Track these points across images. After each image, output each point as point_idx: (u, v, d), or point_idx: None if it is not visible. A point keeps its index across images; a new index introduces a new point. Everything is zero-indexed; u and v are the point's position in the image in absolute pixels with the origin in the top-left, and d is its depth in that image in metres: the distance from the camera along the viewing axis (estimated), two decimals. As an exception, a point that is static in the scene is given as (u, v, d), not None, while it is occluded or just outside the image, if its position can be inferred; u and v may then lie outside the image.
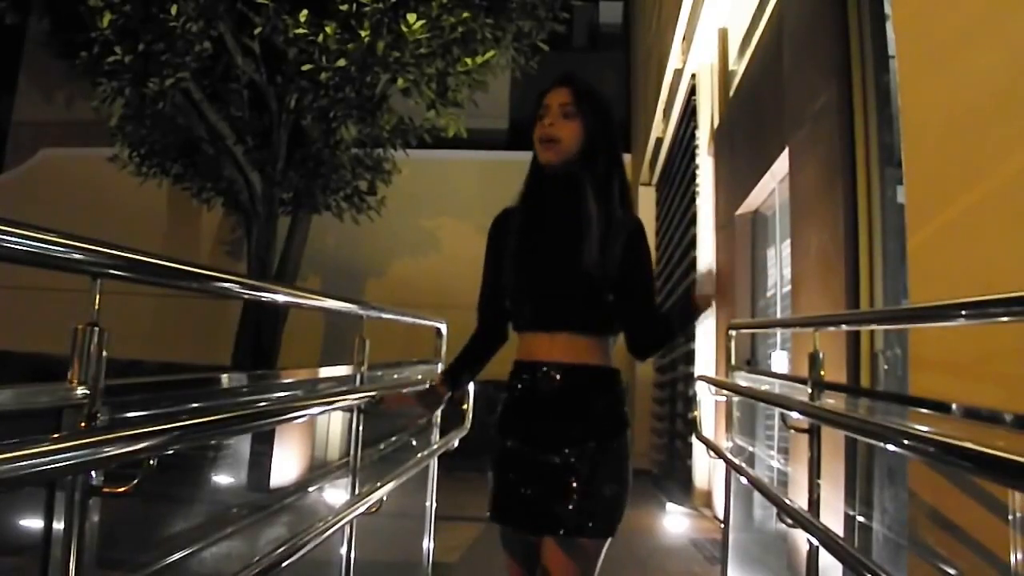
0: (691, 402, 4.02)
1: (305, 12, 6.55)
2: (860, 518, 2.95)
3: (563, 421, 1.84)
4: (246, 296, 2.43)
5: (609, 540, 1.84)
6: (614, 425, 1.88)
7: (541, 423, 1.86)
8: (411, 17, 6.55)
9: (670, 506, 6.21)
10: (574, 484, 1.79)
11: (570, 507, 1.78)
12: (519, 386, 1.91)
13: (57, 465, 0.96)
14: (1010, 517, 1.33)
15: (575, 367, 1.86)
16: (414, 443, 4.01)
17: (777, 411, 3.20)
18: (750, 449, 4.41)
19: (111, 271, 1.26)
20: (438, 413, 2.12)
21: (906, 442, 1.47)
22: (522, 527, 1.86)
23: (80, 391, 1.19)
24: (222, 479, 5.45)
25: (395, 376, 3.31)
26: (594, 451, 1.82)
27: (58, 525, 1.19)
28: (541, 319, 1.89)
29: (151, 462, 1.20)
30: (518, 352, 1.94)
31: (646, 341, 1.96)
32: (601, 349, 1.89)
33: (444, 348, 3.71)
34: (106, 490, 1.23)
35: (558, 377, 1.85)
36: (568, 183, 1.89)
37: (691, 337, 6.99)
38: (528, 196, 1.96)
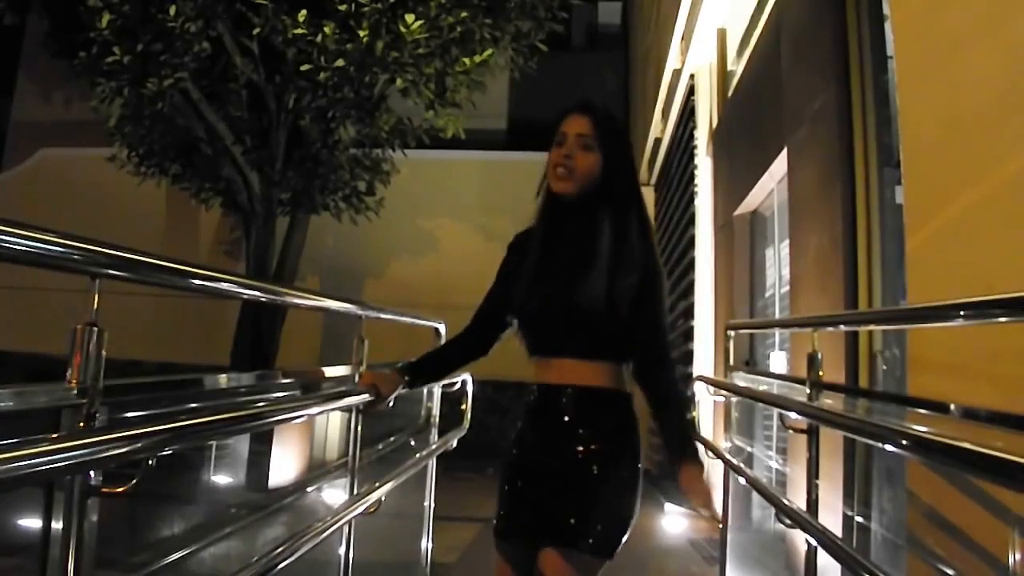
0: (689, 402, 4.02)
1: (304, 12, 6.55)
2: (858, 518, 2.95)
3: (572, 442, 1.83)
4: (245, 296, 2.42)
5: (606, 563, 1.81)
6: (619, 449, 1.86)
7: (552, 443, 1.85)
8: (409, 17, 6.55)
9: (668, 506, 6.21)
10: (579, 500, 1.78)
11: (572, 521, 1.77)
12: (532, 406, 1.91)
13: (56, 465, 0.96)
14: (1008, 518, 1.33)
15: (585, 390, 1.85)
16: (412, 443, 4.01)
17: (775, 411, 3.20)
18: (748, 449, 4.41)
19: (110, 271, 1.26)
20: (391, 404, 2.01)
21: (904, 442, 1.47)
22: (523, 539, 1.84)
23: (79, 391, 1.18)
24: (220, 479, 5.45)
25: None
26: (601, 473, 1.81)
27: (57, 525, 1.19)
28: (549, 345, 1.88)
29: (150, 462, 1.20)
30: (533, 374, 1.93)
31: (650, 393, 1.91)
32: (613, 373, 1.87)
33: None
34: (105, 490, 1.23)
35: (568, 399, 1.84)
36: (583, 214, 1.86)
37: (690, 338, 7.00)
38: (543, 222, 1.93)
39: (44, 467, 0.93)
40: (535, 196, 1.98)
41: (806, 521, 2.21)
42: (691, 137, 7.37)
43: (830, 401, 2.49)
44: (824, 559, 2.16)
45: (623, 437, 1.87)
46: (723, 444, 3.73)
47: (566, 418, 1.84)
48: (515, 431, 1.96)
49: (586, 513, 1.78)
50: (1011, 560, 1.34)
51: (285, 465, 5.90)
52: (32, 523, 1.25)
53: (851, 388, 3.03)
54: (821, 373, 2.46)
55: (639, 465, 1.88)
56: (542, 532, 1.79)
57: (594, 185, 1.86)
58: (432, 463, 3.67)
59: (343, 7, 6.63)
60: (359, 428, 2.48)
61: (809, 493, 2.42)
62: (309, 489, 5.24)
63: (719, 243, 6.41)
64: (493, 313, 2.02)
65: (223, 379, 2.10)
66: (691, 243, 7.14)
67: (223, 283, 1.76)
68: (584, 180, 1.85)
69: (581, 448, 1.82)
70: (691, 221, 7.21)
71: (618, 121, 1.96)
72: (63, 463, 0.97)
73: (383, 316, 2.96)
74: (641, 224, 1.89)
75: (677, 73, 8.02)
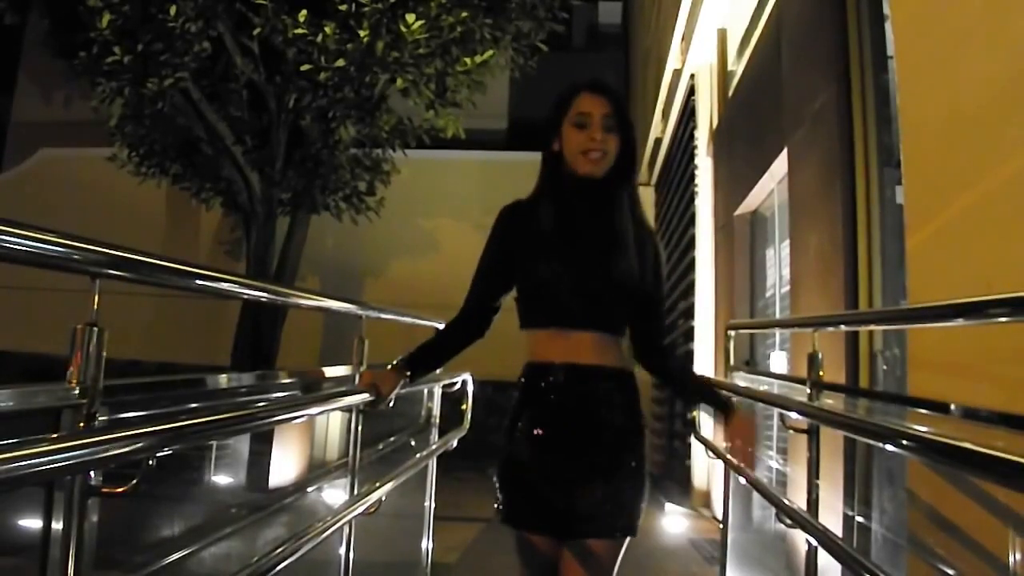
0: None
1: (304, 12, 6.55)
2: (859, 518, 2.95)
3: (581, 423, 1.82)
4: (245, 296, 2.43)
5: (628, 539, 1.83)
6: (632, 425, 1.88)
7: (559, 426, 1.83)
8: (410, 17, 6.55)
9: (669, 506, 6.22)
10: (597, 486, 1.79)
11: (593, 509, 1.77)
12: (535, 388, 1.87)
13: (56, 465, 0.96)
14: (1009, 517, 1.33)
15: (592, 368, 1.84)
16: (413, 443, 4.01)
17: (776, 411, 3.20)
18: (749, 449, 4.40)
19: (110, 271, 1.26)
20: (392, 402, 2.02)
21: (905, 442, 1.47)
22: (546, 531, 1.83)
23: (79, 391, 1.18)
24: (221, 479, 5.45)
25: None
26: (613, 452, 1.82)
27: (57, 525, 1.19)
28: (566, 317, 1.85)
29: (150, 462, 1.20)
30: (531, 353, 1.90)
31: (650, 364, 1.99)
32: (617, 350, 1.89)
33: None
34: (105, 490, 1.23)
35: (575, 378, 1.83)
36: (601, 192, 1.88)
37: (690, 338, 7.00)
38: (556, 197, 1.91)
39: (44, 467, 0.93)
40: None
41: (806, 521, 2.21)
42: (691, 137, 7.37)
43: (830, 401, 2.49)
44: (824, 559, 2.16)
45: (631, 415, 1.88)
46: (723, 444, 3.72)
47: (574, 398, 1.83)
48: (513, 411, 1.92)
49: (615, 499, 1.79)
50: (1011, 560, 1.33)
51: (285, 465, 5.90)
52: (32, 523, 1.25)
53: (851, 388, 3.03)
54: (821, 373, 2.46)
55: (646, 440, 1.91)
56: (565, 524, 1.79)
57: (617, 164, 1.88)
58: (432, 463, 3.67)
59: (343, 7, 6.63)
60: (359, 428, 2.48)
61: (809, 493, 2.42)
62: (309, 489, 5.24)
63: (719, 243, 6.41)
64: (492, 290, 1.99)
65: (223, 379, 2.10)
66: (691, 243, 7.14)
67: (223, 283, 1.76)
68: (611, 161, 1.87)
69: (601, 429, 1.82)
70: (691, 221, 7.21)
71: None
72: (63, 463, 0.97)
73: (383, 316, 2.96)
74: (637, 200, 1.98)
75: (677, 73, 8.02)
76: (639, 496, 1.84)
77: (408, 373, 1.98)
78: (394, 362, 2.01)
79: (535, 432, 1.85)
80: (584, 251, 1.86)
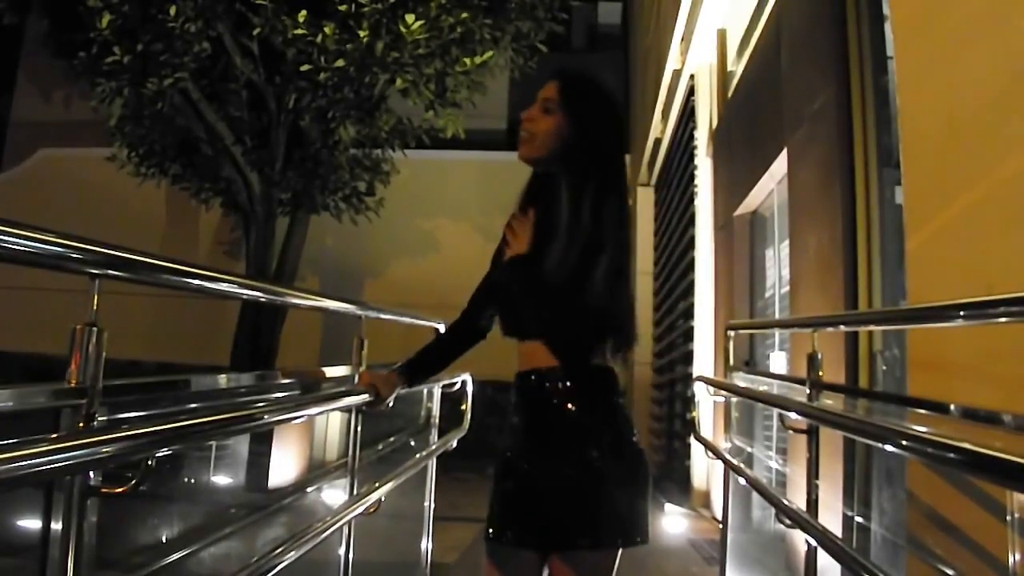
0: (689, 403, 4.02)
1: (304, 12, 6.56)
2: (858, 518, 2.95)
3: (569, 431, 1.73)
4: (245, 296, 2.43)
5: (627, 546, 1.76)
6: (621, 426, 1.77)
7: (546, 435, 1.76)
8: (410, 18, 6.56)
9: (668, 507, 6.22)
10: (576, 491, 1.69)
11: (577, 518, 1.68)
12: (521, 397, 1.82)
13: (55, 465, 0.96)
14: (1008, 518, 1.33)
15: (561, 371, 1.74)
16: (412, 444, 4.01)
17: (775, 412, 3.20)
18: (748, 450, 4.41)
19: (109, 271, 1.26)
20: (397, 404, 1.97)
21: (904, 443, 1.47)
22: (532, 546, 1.75)
23: (78, 391, 1.18)
24: (220, 479, 5.45)
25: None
26: (587, 457, 1.71)
27: (56, 525, 1.19)
28: (520, 326, 1.81)
29: (149, 462, 1.19)
30: (517, 362, 1.84)
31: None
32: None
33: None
34: (104, 490, 1.23)
35: (549, 384, 1.75)
36: (548, 182, 1.80)
37: (689, 338, 7.00)
38: (521, 197, 1.90)
39: (44, 467, 0.93)
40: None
41: (806, 521, 2.21)
42: (691, 137, 7.37)
43: (830, 401, 2.50)
44: (824, 559, 2.16)
45: (617, 415, 1.77)
46: (723, 444, 3.73)
47: (558, 404, 1.73)
48: (509, 428, 1.88)
49: (601, 505, 1.69)
50: (1011, 560, 1.33)
51: (285, 465, 5.90)
52: (32, 523, 1.25)
53: (851, 388, 3.03)
54: (821, 373, 2.46)
55: (636, 437, 1.79)
56: (552, 534, 1.70)
57: (555, 151, 1.77)
58: (432, 463, 3.67)
59: (343, 7, 6.63)
60: (359, 428, 2.48)
61: (809, 493, 2.42)
62: (309, 489, 5.24)
63: (719, 243, 6.40)
64: (485, 298, 1.97)
65: (223, 379, 2.10)
66: (691, 243, 7.14)
67: (223, 283, 1.76)
68: (541, 144, 1.78)
69: (581, 437, 1.72)
70: (691, 221, 7.21)
71: (594, 87, 1.82)
72: (63, 463, 0.97)
73: (383, 316, 2.96)
74: (603, 192, 1.73)
75: (677, 73, 8.02)
76: (631, 499, 1.73)
77: (406, 378, 1.97)
78: (394, 367, 2.00)
79: (519, 443, 1.80)
80: (526, 257, 1.78)
